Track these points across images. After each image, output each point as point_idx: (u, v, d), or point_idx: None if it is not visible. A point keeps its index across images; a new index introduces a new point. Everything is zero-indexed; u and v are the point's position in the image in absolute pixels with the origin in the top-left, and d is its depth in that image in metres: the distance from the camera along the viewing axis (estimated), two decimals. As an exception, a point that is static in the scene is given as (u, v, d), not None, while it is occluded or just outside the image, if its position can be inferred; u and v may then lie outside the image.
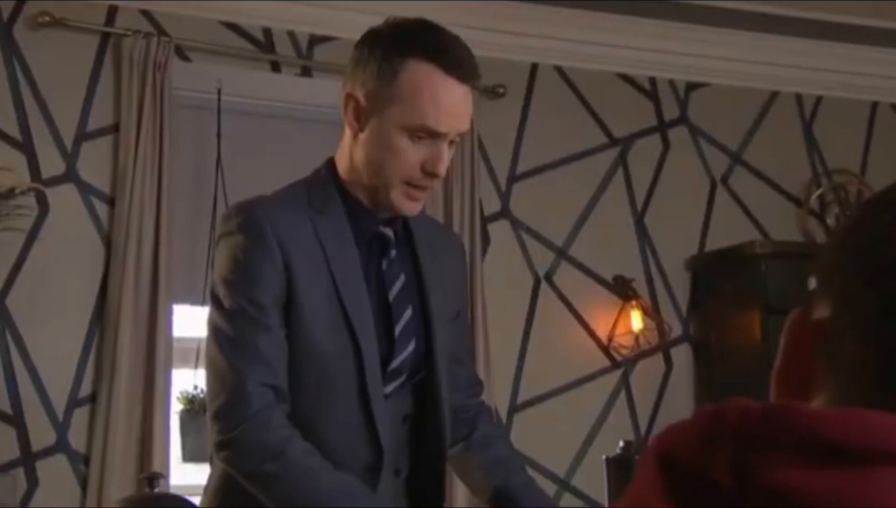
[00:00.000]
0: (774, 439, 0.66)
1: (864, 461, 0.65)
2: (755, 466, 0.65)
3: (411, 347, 1.75)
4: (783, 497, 0.64)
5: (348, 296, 1.68)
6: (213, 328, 1.69)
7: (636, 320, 4.13)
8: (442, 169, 1.68)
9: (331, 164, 1.78)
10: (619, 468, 2.40)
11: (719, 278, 4.24)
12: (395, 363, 1.73)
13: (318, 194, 1.73)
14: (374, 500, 1.64)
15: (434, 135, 1.66)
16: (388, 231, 1.76)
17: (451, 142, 1.70)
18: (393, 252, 1.76)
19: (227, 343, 1.65)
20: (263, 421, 1.62)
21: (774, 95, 4.58)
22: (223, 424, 1.64)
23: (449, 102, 1.66)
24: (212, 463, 1.84)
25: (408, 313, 1.76)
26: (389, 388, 1.73)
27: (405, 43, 1.67)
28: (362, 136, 1.70)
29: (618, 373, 4.20)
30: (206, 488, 1.83)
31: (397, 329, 1.73)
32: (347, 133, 1.74)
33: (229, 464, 1.65)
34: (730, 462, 0.66)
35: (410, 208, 1.71)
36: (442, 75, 1.66)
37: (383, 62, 1.67)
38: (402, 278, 1.77)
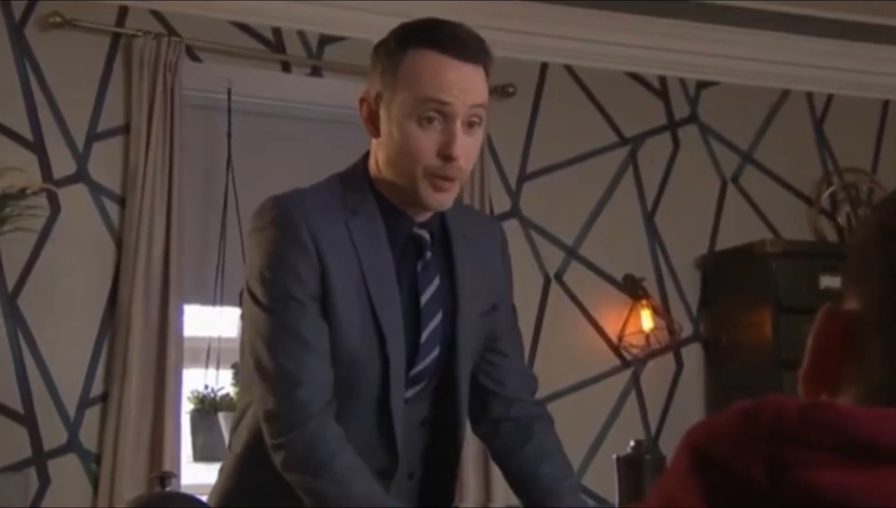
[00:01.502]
0: (810, 437, 0.66)
1: None
2: (790, 464, 0.65)
3: (435, 353, 1.73)
4: (817, 495, 0.64)
5: (379, 299, 1.66)
6: (254, 326, 1.66)
7: (646, 319, 4.13)
8: (456, 150, 1.62)
9: (365, 162, 1.74)
10: (630, 467, 2.40)
11: (730, 277, 4.23)
12: (417, 369, 1.72)
13: (352, 193, 1.70)
14: None
15: (441, 110, 1.61)
16: (424, 233, 1.72)
17: (471, 125, 1.65)
18: (428, 254, 1.73)
19: (271, 340, 1.63)
20: (314, 430, 1.60)
21: (785, 93, 4.57)
22: (273, 429, 1.63)
23: (449, 76, 1.61)
24: (229, 448, 1.85)
25: (437, 319, 1.73)
26: (410, 392, 1.72)
27: (404, 38, 1.66)
28: (380, 138, 1.68)
29: (628, 372, 4.19)
30: (222, 468, 1.83)
31: (424, 335, 1.71)
32: (372, 142, 1.72)
33: (281, 469, 1.64)
34: (765, 459, 0.66)
35: (439, 201, 1.66)
36: (440, 56, 1.62)
37: (387, 61, 1.66)
38: (435, 281, 1.73)
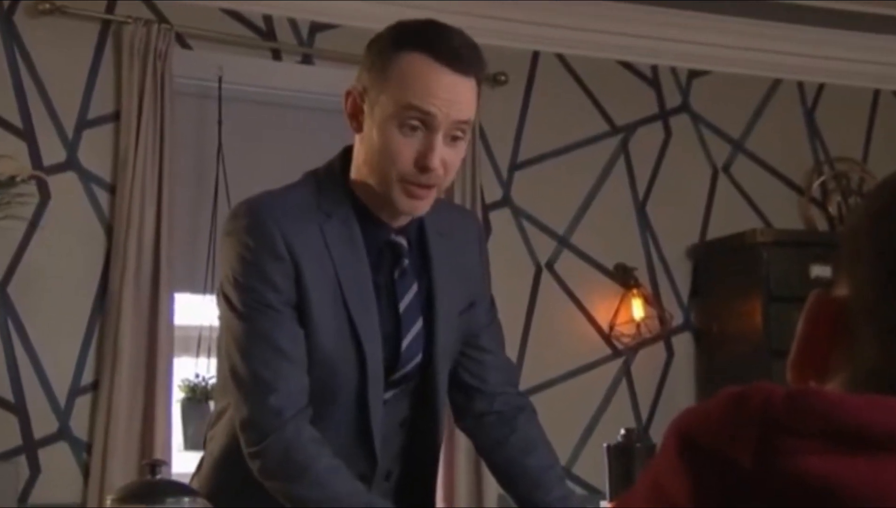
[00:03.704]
0: (798, 424, 0.66)
1: (888, 447, 0.65)
2: (778, 450, 0.65)
3: (418, 359, 1.72)
4: (806, 481, 0.64)
5: (355, 305, 1.65)
6: (230, 332, 1.66)
7: (637, 308, 4.13)
8: (433, 162, 1.58)
9: (344, 161, 1.71)
10: (620, 455, 2.40)
11: (721, 267, 4.23)
12: (398, 374, 1.71)
13: (328, 196, 1.67)
14: None
15: (425, 120, 1.58)
16: (401, 240, 1.70)
17: (455, 138, 1.62)
18: (405, 261, 1.71)
19: (246, 347, 1.63)
20: (290, 436, 1.59)
21: (776, 82, 4.57)
22: (249, 437, 1.62)
23: (438, 86, 1.58)
24: (205, 445, 1.84)
25: (417, 325, 1.72)
26: (389, 394, 1.72)
27: (400, 38, 1.62)
28: (361, 135, 1.66)
29: (619, 361, 4.20)
30: (199, 467, 1.83)
31: (405, 342, 1.70)
32: (356, 137, 1.69)
33: (260, 477, 1.63)
34: (753, 445, 0.66)
35: (413, 208, 1.64)
36: (433, 63, 1.59)
37: (377, 58, 1.63)
38: (413, 288, 1.72)
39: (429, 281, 1.74)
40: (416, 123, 1.59)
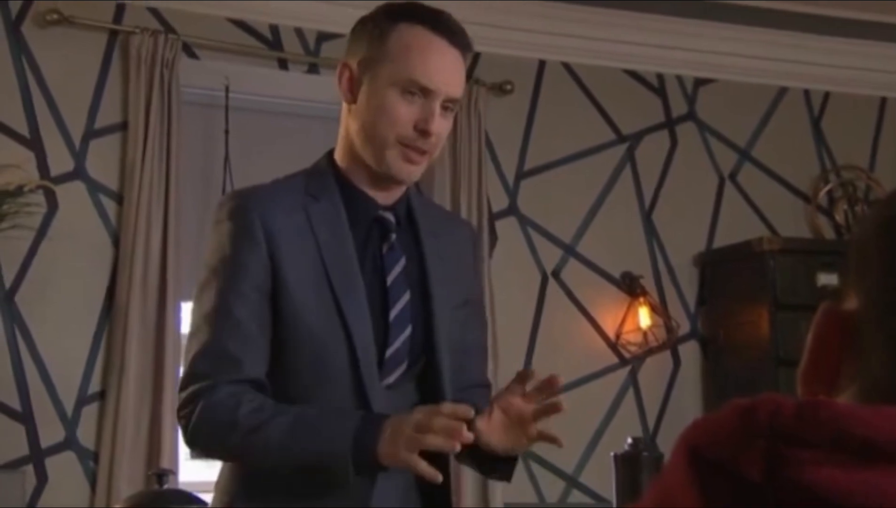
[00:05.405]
0: (807, 436, 0.66)
1: None
2: (787, 462, 0.65)
3: (408, 332, 1.72)
4: (815, 493, 0.64)
5: (339, 282, 1.68)
6: (192, 316, 1.72)
7: (644, 317, 4.13)
8: (434, 127, 1.67)
9: (330, 154, 1.79)
10: (627, 464, 2.39)
11: (727, 275, 4.23)
12: (391, 350, 1.71)
13: (315, 181, 1.74)
14: (327, 422, 1.62)
15: (424, 92, 1.67)
16: (389, 215, 1.75)
17: (446, 109, 1.70)
18: (393, 236, 1.74)
19: (197, 335, 1.68)
20: (208, 402, 1.63)
21: (783, 90, 4.57)
22: (180, 419, 1.67)
23: (438, 60, 1.68)
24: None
25: (405, 298, 1.73)
26: (392, 378, 1.71)
27: (396, 11, 1.72)
28: (355, 106, 1.72)
29: (626, 370, 4.20)
30: (218, 482, 1.82)
31: (392, 313, 1.71)
32: (344, 112, 1.75)
33: (188, 443, 1.69)
34: (761, 458, 0.65)
35: (408, 172, 1.70)
36: (431, 35, 1.69)
37: (375, 30, 1.70)
38: (401, 261, 1.74)
39: (420, 261, 1.77)
40: (416, 91, 1.68)
